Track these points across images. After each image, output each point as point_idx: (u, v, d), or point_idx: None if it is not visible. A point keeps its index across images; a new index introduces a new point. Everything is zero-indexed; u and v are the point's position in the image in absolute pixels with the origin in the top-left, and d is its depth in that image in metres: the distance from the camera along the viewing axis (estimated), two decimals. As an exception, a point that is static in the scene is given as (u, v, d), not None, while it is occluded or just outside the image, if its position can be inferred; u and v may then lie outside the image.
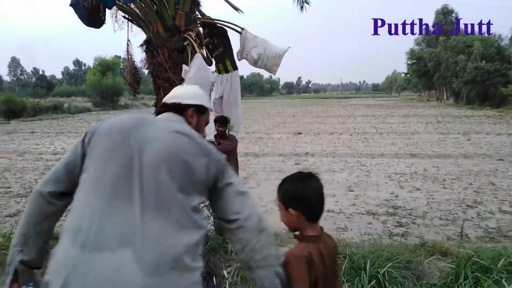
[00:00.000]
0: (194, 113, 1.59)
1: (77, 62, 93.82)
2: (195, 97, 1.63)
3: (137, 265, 1.11)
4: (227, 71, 4.33)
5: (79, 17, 3.43)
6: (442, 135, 15.04)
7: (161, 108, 1.62)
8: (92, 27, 3.57)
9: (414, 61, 51.21)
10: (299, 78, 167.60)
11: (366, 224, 5.48)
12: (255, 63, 4.33)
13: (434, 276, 3.17)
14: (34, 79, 74.95)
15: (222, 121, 4.38)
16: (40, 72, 78.95)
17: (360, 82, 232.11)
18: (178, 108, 1.57)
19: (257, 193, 7.21)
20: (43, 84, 68.61)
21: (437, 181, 7.81)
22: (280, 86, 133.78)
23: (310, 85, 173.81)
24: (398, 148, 12.18)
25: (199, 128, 1.61)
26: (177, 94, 1.64)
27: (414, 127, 18.22)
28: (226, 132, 4.50)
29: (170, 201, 1.24)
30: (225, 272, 3.89)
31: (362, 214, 5.95)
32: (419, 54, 50.48)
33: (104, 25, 3.59)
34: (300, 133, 16.83)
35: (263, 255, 1.34)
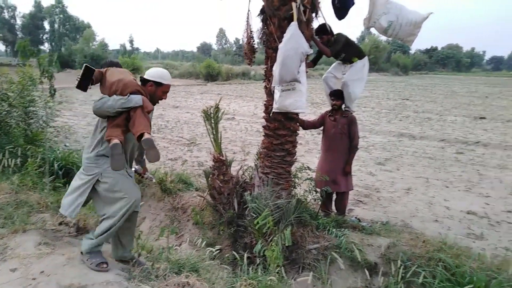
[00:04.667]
0: (153, 85, 2.45)
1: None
2: (155, 75, 2.45)
3: None
4: (351, 63, 4.19)
5: None
6: None
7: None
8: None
9: None
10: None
11: (515, 238, 4.38)
12: (384, 32, 3.91)
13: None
14: (234, 48, 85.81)
15: (336, 95, 4.21)
16: (240, 42, 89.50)
17: None
18: (144, 81, 2.46)
19: (389, 177, 6.61)
20: (240, 53, 78.06)
21: None
22: (484, 61, 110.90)
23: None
24: None
25: (155, 95, 2.45)
26: (147, 72, 2.52)
27: None
28: (342, 107, 4.30)
29: None
30: (311, 247, 3.91)
31: (516, 225, 4.74)
32: None
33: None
34: (484, 117, 14.01)
35: None
